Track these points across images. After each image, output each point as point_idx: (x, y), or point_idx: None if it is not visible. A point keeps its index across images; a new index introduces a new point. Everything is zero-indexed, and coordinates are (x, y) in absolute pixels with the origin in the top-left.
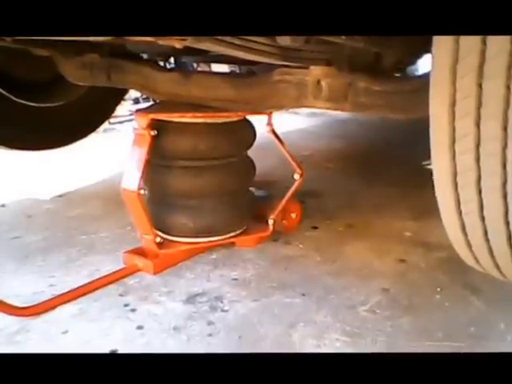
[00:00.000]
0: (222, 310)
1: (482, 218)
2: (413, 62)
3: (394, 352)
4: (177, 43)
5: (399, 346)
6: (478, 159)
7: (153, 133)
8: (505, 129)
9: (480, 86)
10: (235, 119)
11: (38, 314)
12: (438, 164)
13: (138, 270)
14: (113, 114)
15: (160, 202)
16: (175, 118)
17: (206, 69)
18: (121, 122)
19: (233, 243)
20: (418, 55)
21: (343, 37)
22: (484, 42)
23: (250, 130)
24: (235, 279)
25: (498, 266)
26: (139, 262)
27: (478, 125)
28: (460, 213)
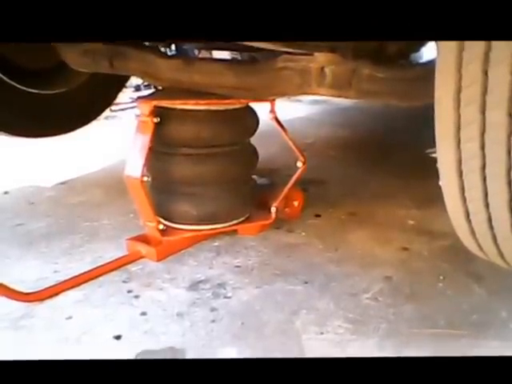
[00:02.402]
0: (225, 297)
1: (487, 205)
2: (417, 48)
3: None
4: None
5: (401, 333)
6: (482, 147)
7: (156, 120)
8: (510, 116)
9: (485, 73)
10: (238, 106)
11: (42, 299)
12: (443, 151)
13: (141, 257)
14: (114, 101)
15: (163, 189)
16: (178, 105)
17: (207, 55)
18: (122, 109)
19: (235, 231)
20: (422, 42)
21: None
22: None
23: (253, 117)
24: (238, 266)
25: (501, 254)
26: (142, 248)
27: (483, 112)
28: (464, 200)
